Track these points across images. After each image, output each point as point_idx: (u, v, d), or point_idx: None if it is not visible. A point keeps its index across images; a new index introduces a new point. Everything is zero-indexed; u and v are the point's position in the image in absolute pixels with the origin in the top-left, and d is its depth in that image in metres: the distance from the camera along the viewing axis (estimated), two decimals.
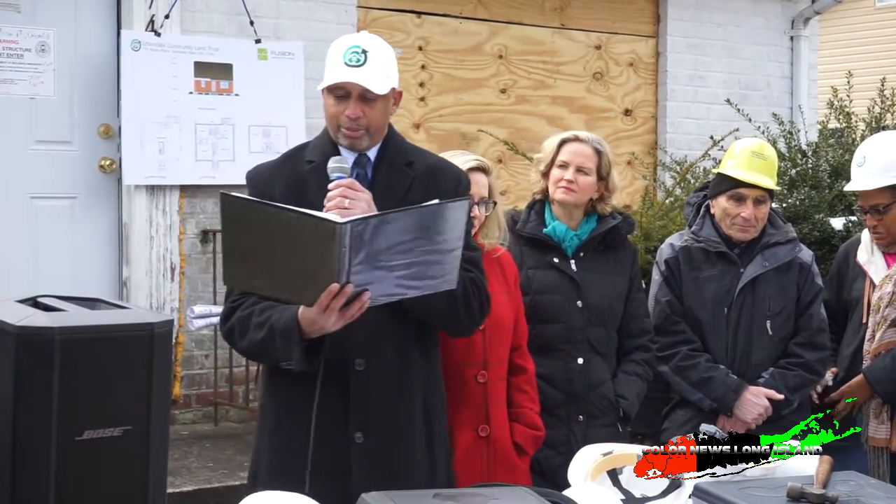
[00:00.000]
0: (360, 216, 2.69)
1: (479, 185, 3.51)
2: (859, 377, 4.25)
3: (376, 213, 2.76)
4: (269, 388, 3.18)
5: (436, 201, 2.82)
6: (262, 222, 2.72)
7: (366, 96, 3.01)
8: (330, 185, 2.91)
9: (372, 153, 3.12)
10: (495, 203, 3.60)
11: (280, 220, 2.69)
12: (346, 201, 2.86)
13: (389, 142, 3.15)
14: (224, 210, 2.75)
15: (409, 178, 3.09)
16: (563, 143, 3.98)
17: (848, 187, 4.50)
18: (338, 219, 2.64)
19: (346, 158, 3.05)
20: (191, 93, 6.52)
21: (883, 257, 4.35)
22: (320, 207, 2.87)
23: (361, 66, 2.99)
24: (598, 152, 3.96)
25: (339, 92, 3.03)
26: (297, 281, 2.77)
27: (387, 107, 3.09)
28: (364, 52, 3.00)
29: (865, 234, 4.46)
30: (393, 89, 3.08)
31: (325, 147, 3.10)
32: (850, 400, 4.25)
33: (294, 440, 3.01)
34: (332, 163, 2.96)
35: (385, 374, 3.04)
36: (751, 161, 4.16)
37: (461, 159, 3.50)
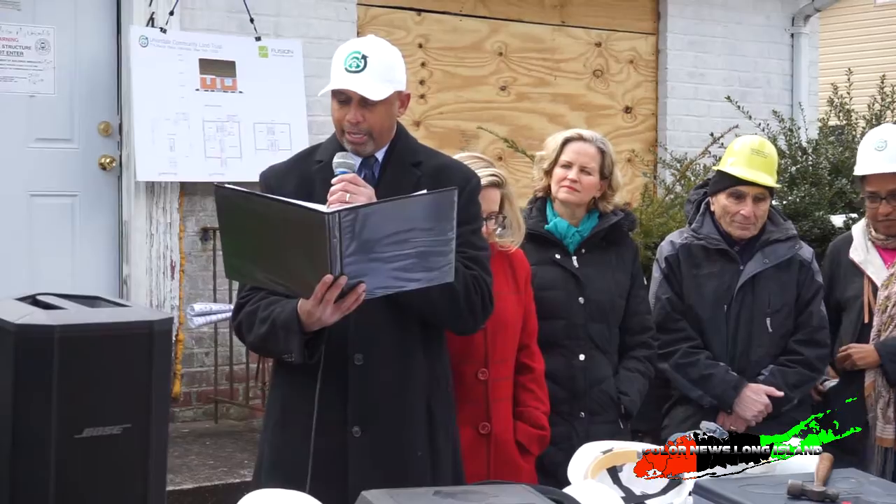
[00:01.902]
0: (348, 206, 2.72)
1: (491, 200, 3.50)
2: (870, 347, 4.24)
3: (363, 203, 2.78)
4: (275, 382, 3.23)
5: (423, 192, 2.84)
6: (255, 214, 2.75)
7: (366, 101, 3.03)
8: (333, 180, 2.94)
9: (380, 154, 3.14)
10: (505, 217, 3.60)
11: (271, 211, 2.72)
12: (346, 195, 2.88)
13: (399, 142, 3.17)
14: (218, 202, 2.79)
15: (415, 177, 3.10)
16: (566, 142, 3.98)
17: (864, 171, 4.33)
18: (325, 209, 2.66)
19: (353, 156, 3.07)
20: (197, 89, 6.49)
21: (879, 255, 4.33)
22: (325, 204, 2.88)
23: (360, 71, 3.02)
24: (602, 152, 3.96)
25: (342, 97, 3.07)
26: (293, 273, 2.79)
27: (390, 110, 3.10)
28: (364, 57, 3.02)
29: (857, 232, 4.41)
30: (399, 92, 3.10)
31: (334, 148, 3.12)
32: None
33: (295, 434, 3.03)
34: (338, 158, 3.00)
35: (384, 370, 3.05)
36: (751, 158, 4.16)
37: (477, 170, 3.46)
